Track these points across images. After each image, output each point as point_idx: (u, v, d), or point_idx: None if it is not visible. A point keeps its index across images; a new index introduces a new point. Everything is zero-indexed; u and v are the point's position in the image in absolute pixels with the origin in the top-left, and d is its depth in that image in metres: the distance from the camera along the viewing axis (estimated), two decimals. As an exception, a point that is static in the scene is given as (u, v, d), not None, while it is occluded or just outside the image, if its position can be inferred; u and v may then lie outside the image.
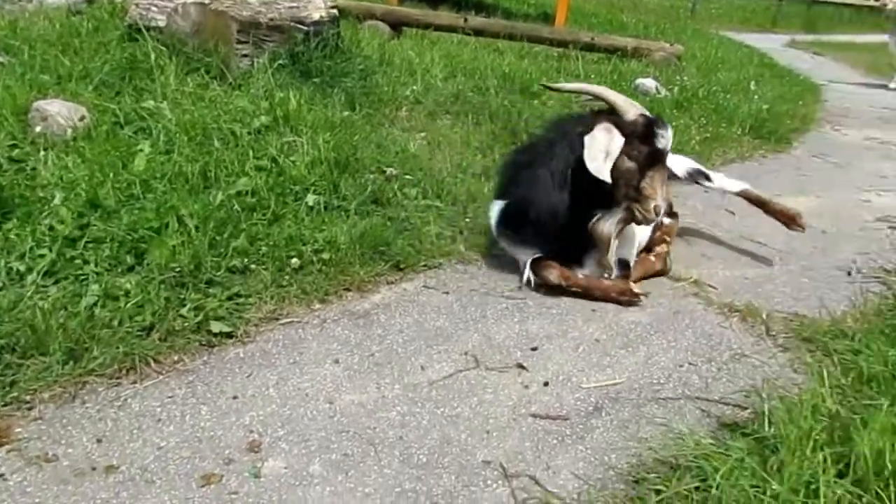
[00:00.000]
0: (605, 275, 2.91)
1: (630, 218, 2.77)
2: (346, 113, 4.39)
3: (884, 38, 11.28)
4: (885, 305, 2.83)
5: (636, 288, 2.82)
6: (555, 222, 2.82)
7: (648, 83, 6.71)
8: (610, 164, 2.64)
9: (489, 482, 1.86)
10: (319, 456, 1.92)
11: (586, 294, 2.86)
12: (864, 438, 1.67)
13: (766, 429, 1.84)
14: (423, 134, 4.68)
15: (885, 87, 10.53)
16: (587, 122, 2.77)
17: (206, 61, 4.48)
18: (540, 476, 1.88)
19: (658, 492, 1.75)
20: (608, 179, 2.64)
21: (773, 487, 1.56)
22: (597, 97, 2.84)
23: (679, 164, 3.53)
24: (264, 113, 3.96)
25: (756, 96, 7.03)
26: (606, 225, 2.77)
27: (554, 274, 2.87)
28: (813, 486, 1.57)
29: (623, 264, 2.92)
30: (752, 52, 11.72)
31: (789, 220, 3.41)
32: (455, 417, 2.11)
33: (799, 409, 1.86)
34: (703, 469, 1.75)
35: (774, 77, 8.99)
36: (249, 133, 3.75)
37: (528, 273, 2.92)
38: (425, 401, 2.18)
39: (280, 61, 4.65)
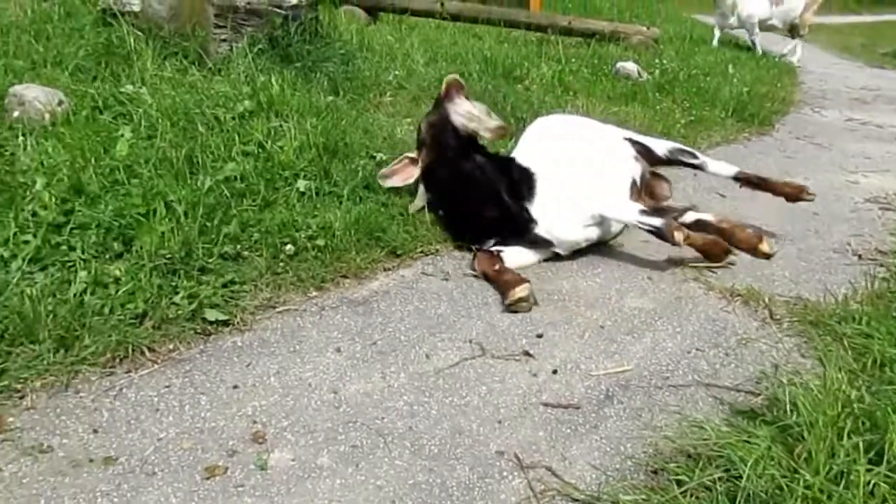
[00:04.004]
0: None
1: None
2: (330, 98, 4.30)
3: (853, 18, 11.38)
4: (889, 287, 2.81)
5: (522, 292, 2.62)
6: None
7: (629, 66, 6.69)
8: None
9: (505, 473, 1.80)
10: (327, 447, 1.85)
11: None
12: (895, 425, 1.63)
13: (789, 416, 1.80)
14: (408, 119, 4.60)
15: (860, 67, 10.65)
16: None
17: (183, 46, 4.37)
18: (556, 467, 1.83)
19: (680, 482, 1.70)
20: None
21: (806, 478, 1.52)
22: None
23: (658, 144, 3.49)
24: (247, 98, 3.85)
25: (735, 79, 7.05)
26: None
27: (483, 264, 2.86)
28: (848, 476, 1.53)
29: None
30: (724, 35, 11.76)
31: (798, 191, 3.36)
32: (464, 407, 2.05)
33: (823, 395, 1.82)
34: (727, 458, 1.70)
35: (750, 59, 9.03)
36: (233, 118, 3.65)
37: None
38: (433, 390, 2.12)
39: (259, 46, 4.54)
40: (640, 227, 2.88)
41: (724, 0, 10.22)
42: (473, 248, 2.98)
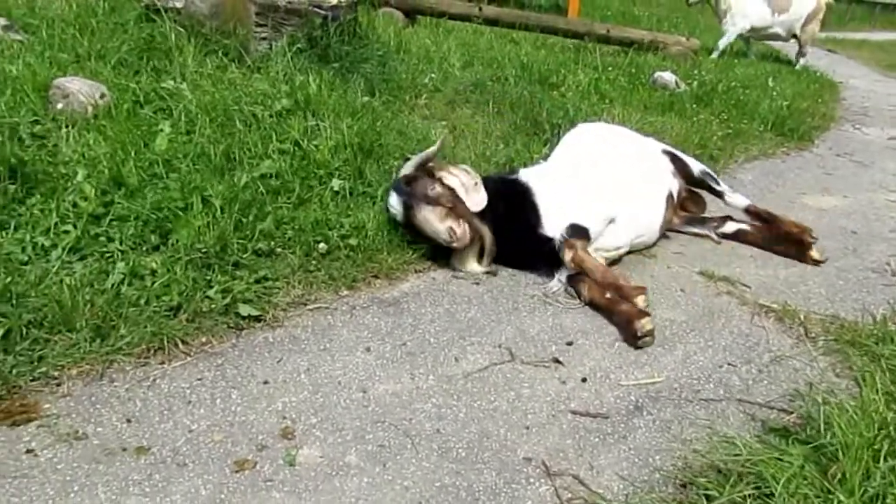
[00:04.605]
0: None
1: None
2: (366, 99, 4.32)
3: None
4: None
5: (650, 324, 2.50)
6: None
7: (667, 77, 6.63)
8: None
9: (532, 480, 1.80)
10: (355, 446, 1.86)
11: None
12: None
13: (823, 436, 1.77)
14: (443, 122, 4.61)
15: None
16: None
17: (224, 43, 4.40)
18: (583, 475, 1.82)
19: (709, 497, 1.69)
20: None
21: (840, 499, 1.50)
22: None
23: (694, 164, 3.57)
24: (285, 96, 3.88)
25: (775, 93, 6.95)
26: None
27: (584, 289, 2.78)
28: (884, 499, 1.50)
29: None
30: (766, 48, 11.63)
31: (801, 233, 3.32)
32: (493, 411, 2.05)
33: (860, 417, 1.79)
34: (759, 475, 1.68)
35: (791, 74, 8.91)
36: (271, 116, 3.67)
37: (562, 285, 2.86)
38: (461, 393, 2.12)
39: (298, 45, 4.57)
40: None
41: (718, 2, 10.02)
42: (564, 273, 2.86)
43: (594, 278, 2.72)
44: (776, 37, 10.24)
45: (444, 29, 7.83)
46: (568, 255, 2.75)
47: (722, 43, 9.89)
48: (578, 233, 2.83)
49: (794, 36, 10.15)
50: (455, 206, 2.83)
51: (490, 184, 3.02)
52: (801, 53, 10.23)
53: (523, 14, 8.81)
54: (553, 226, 2.88)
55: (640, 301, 2.57)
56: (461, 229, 2.76)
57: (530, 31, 8.32)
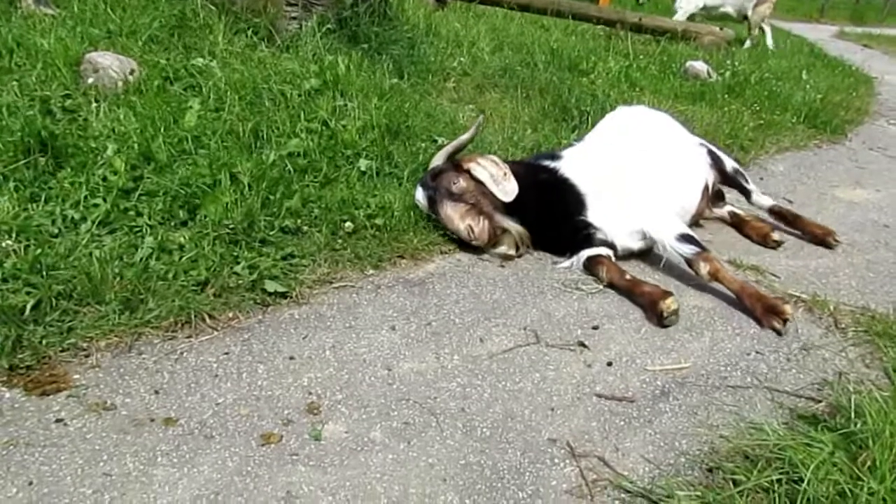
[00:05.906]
0: None
1: None
2: (394, 80, 4.30)
3: None
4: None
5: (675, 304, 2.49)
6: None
7: (699, 66, 6.54)
8: None
9: (556, 460, 1.79)
10: (380, 423, 1.87)
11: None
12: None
13: (853, 424, 1.74)
14: (471, 106, 4.59)
15: None
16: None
17: (254, 22, 4.41)
18: (609, 457, 1.81)
19: (736, 482, 1.67)
20: None
21: (871, 485, 1.48)
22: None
23: (727, 160, 3.50)
24: (314, 76, 3.88)
25: (808, 85, 6.84)
26: None
27: (602, 271, 2.77)
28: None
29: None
30: (801, 41, 11.45)
31: (825, 234, 3.30)
32: (517, 392, 2.04)
33: (890, 405, 1.76)
34: (787, 461, 1.66)
35: (825, 67, 8.74)
36: (300, 95, 3.68)
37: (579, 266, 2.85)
38: (486, 373, 2.11)
39: (328, 25, 4.57)
40: (671, 251, 2.74)
41: None
42: (582, 254, 2.85)
43: (733, 289, 2.63)
44: (726, 16, 10.12)
45: (475, 13, 7.78)
46: (705, 268, 2.64)
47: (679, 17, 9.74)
48: (693, 241, 2.73)
49: (745, 18, 10.03)
50: (477, 203, 2.82)
51: (526, 169, 2.98)
52: (749, 34, 10.11)
53: (555, 0, 8.73)
54: (597, 214, 2.85)
55: (787, 309, 2.50)
56: (479, 228, 2.76)
57: (561, 18, 8.24)
